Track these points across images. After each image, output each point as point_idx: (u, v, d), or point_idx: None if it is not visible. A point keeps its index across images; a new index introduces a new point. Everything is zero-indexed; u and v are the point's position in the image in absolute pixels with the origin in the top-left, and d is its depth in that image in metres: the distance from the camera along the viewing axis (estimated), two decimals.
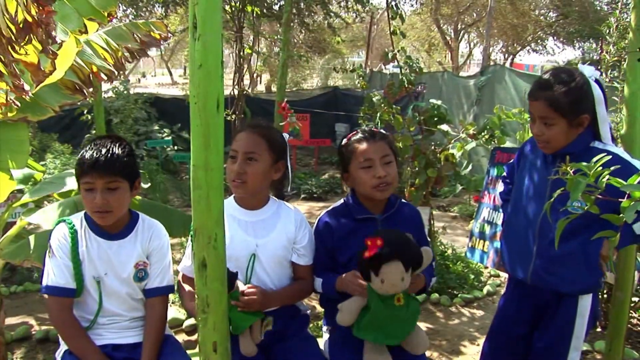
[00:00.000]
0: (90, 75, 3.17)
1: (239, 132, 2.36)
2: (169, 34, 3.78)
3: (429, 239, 5.00)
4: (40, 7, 1.85)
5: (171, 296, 2.47)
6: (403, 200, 2.57)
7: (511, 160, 2.77)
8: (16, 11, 1.84)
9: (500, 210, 3.03)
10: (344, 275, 2.30)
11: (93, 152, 2.17)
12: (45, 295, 2.25)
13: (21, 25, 1.86)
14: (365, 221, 2.43)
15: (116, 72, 3.34)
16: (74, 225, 2.25)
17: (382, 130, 2.49)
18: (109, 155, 2.16)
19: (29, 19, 1.85)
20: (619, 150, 2.32)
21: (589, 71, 2.32)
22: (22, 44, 1.90)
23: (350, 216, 2.46)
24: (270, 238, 2.35)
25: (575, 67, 2.38)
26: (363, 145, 2.38)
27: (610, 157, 1.52)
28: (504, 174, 2.83)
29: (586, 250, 2.29)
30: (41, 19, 1.87)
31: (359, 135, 2.44)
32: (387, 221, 2.44)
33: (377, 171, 2.33)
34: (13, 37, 1.89)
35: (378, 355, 2.22)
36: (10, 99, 2.37)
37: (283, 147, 2.42)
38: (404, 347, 2.27)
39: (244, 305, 2.15)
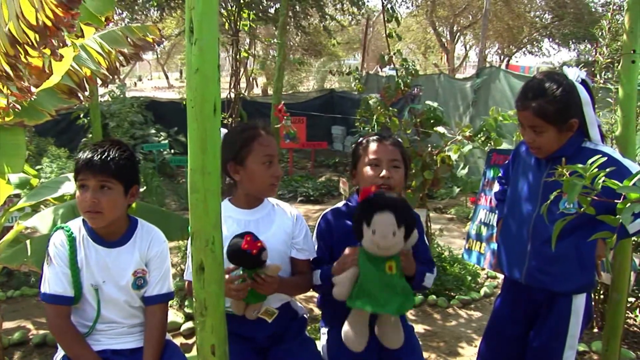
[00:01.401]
0: (85, 79, 3.18)
1: (258, 135, 2.35)
2: (163, 39, 3.78)
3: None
4: (66, 10, 1.84)
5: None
6: None
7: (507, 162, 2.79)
8: (36, 16, 1.84)
9: (497, 211, 3.04)
10: (337, 262, 2.34)
11: (90, 152, 2.19)
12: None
13: (41, 29, 1.86)
14: None
15: (110, 77, 3.35)
16: (72, 233, 2.24)
17: (398, 138, 2.55)
18: (104, 155, 2.18)
19: (49, 23, 1.85)
20: (610, 150, 2.34)
21: (573, 74, 2.33)
22: (41, 48, 1.90)
23: (350, 218, 2.47)
24: (270, 234, 2.36)
25: (560, 72, 2.39)
26: (375, 145, 2.46)
27: (605, 158, 1.54)
28: (500, 174, 2.84)
29: (580, 249, 2.31)
30: (62, 22, 1.87)
31: (375, 136, 2.52)
32: None
33: (382, 171, 2.39)
34: (30, 41, 1.89)
35: (357, 326, 2.24)
36: (11, 102, 2.37)
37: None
38: (380, 339, 2.29)
39: (258, 287, 2.18)
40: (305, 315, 2.59)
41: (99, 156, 2.17)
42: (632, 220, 2.13)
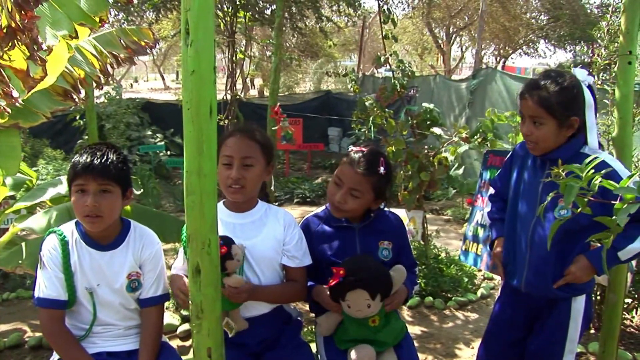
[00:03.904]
0: (79, 81, 3.17)
1: (228, 137, 2.33)
2: (157, 42, 3.78)
3: (422, 243, 5.04)
4: (23, 12, 1.84)
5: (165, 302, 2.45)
6: (384, 209, 2.59)
7: (500, 170, 2.74)
8: None
9: (490, 232, 3.00)
10: (321, 289, 2.37)
11: (88, 156, 2.16)
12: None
13: (5, 31, 1.84)
14: (343, 229, 2.47)
15: (103, 79, 3.34)
16: (65, 237, 2.22)
17: (381, 167, 2.39)
18: (103, 159, 2.16)
19: (13, 24, 1.85)
20: (609, 157, 2.28)
21: (582, 75, 2.31)
22: (5, 49, 1.89)
23: (329, 223, 2.51)
24: (258, 239, 2.32)
25: (567, 70, 2.39)
26: (345, 166, 2.42)
27: (600, 159, 1.53)
28: (491, 191, 2.77)
29: (578, 253, 2.29)
30: (24, 25, 1.86)
31: (359, 153, 2.42)
32: (365, 229, 2.48)
33: (340, 196, 2.38)
34: None
35: (362, 349, 2.28)
36: (2, 105, 2.36)
37: (273, 148, 2.44)
38: None
39: (228, 294, 2.12)
40: (299, 318, 2.57)
41: (98, 160, 2.15)
42: (622, 245, 2.13)
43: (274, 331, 2.38)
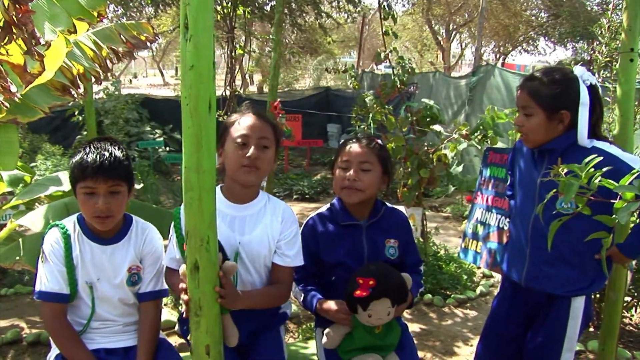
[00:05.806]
0: (78, 76, 3.15)
1: (239, 118, 2.24)
2: (156, 37, 3.76)
3: (421, 240, 5.03)
4: (18, 7, 1.83)
5: (164, 298, 2.44)
6: (390, 206, 2.57)
7: (505, 159, 2.75)
8: None
9: (494, 210, 3.01)
10: (327, 304, 2.32)
11: (96, 156, 2.11)
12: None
13: (1, 26, 1.83)
14: (350, 227, 2.45)
15: (102, 74, 3.32)
16: (67, 230, 2.21)
17: (378, 140, 2.49)
18: (112, 159, 2.12)
19: (7, 18, 1.83)
20: (606, 146, 2.26)
21: (580, 71, 2.30)
22: (2, 44, 1.88)
23: (335, 221, 2.48)
24: (254, 235, 2.23)
25: (568, 66, 2.39)
26: (347, 147, 2.45)
27: (601, 158, 1.52)
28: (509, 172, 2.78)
29: (579, 252, 2.28)
30: (20, 19, 1.85)
31: (354, 138, 2.49)
32: (371, 227, 2.46)
33: (349, 172, 2.38)
34: None
35: (368, 358, 2.27)
36: (0, 100, 2.35)
37: (281, 133, 2.41)
38: None
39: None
40: (287, 312, 2.50)
41: (107, 160, 2.11)
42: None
43: (262, 323, 2.33)
